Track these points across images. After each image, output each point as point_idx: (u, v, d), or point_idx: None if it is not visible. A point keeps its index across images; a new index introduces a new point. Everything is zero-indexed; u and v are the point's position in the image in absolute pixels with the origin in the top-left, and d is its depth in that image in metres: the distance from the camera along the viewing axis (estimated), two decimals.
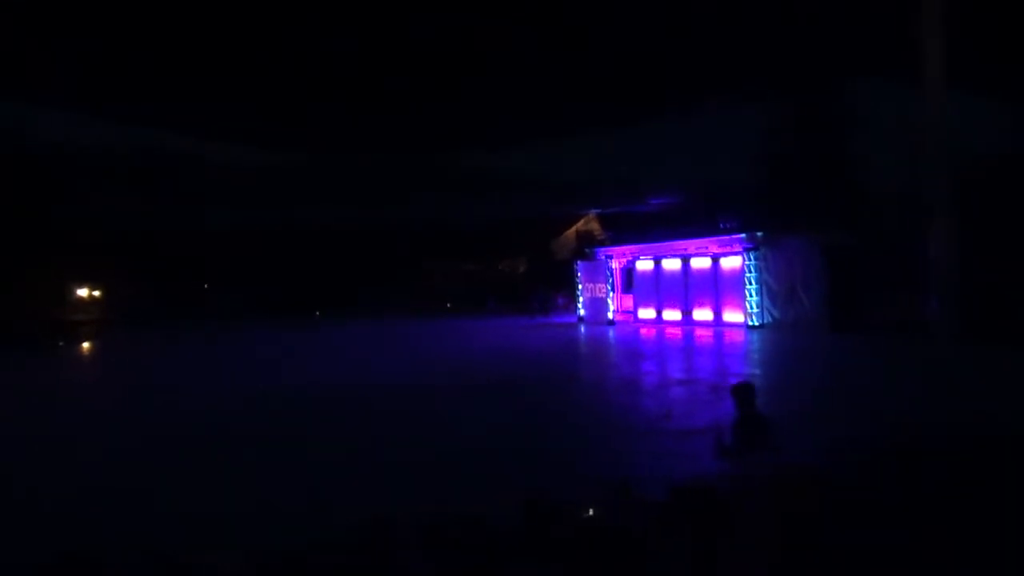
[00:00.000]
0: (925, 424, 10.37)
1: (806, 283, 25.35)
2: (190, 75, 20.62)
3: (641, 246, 32.34)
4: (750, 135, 27.74)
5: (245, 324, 38.11)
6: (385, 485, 9.01)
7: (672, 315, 30.33)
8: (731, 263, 27.89)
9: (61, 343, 32.05)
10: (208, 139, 28.50)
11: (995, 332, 18.58)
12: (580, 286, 34.61)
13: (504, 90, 21.70)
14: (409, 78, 20.91)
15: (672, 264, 30.53)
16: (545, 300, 38.68)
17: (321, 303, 44.13)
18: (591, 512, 6.89)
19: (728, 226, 28.38)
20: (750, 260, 26.84)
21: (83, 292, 47.41)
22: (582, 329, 31.75)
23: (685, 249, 30.02)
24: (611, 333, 29.44)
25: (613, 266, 33.46)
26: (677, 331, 28.25)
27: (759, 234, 27.09)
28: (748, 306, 26.78)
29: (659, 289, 31.08)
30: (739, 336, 25.32)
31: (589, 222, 43.60)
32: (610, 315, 32.54)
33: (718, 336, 25.79)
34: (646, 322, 31.35)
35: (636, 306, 32.44)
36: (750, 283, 26.78)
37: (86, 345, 32.50)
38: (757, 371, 19.11)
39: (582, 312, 34.28)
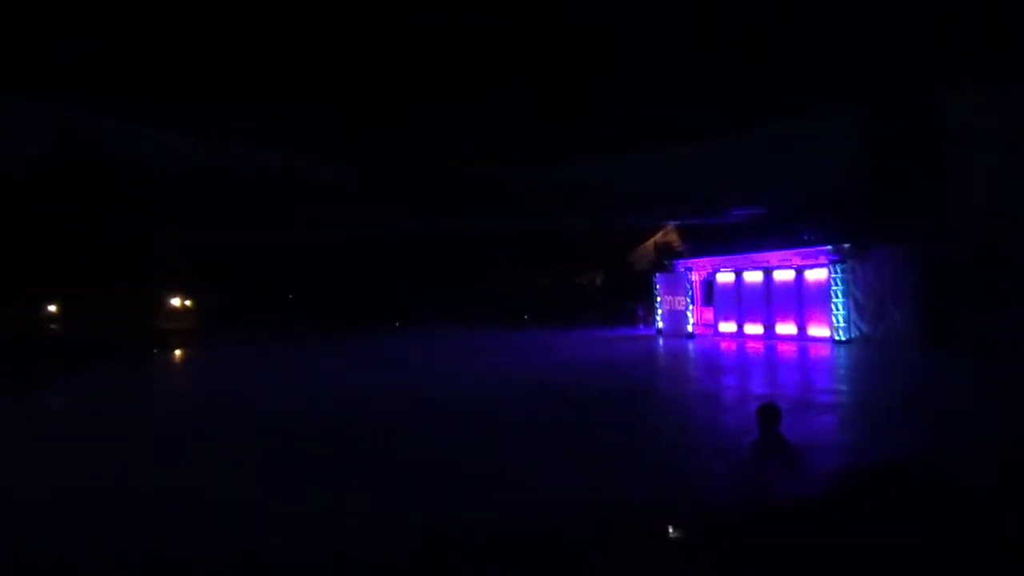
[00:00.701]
0: None
1: (897, 296, 24.33)
2: (272, 91, 21.30)
3: (721, 258, 31.76)
4: (836, 143, 26.87)
5: (329, 334, 39.07)
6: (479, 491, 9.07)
7: (754, 329, 29.62)
8: (816, 275, 27.08)
9: (157, 351, 33.53)
10: (293, 154, 29.47)
11: None
12: (659, 298, 34.19)
13: (583, 102, 21.64)
14: (488, 91, 21.06)
15: (754, 276, 29.84)
16: (631, 312, 38.42)
17: (401, 314, 44.92)
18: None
19: (812, 237, 27.58)
20: (836, 272, 25.98)
21: (175, 302, 49.53)
22: (661, 342, 31.28)
23: (767, 261, 29.31)
24: (692, 347, 28.89)
25: (692, 278, 32.96)
26: (760, 345, 27.54)
27: (846, 245, 26.20)
28: (834, 320, 25.91)
29: (740, 302, 30.42)
30: (826, 351, 24.48)
31: (668, 233, 43.02)
32: (689, 328, 32.02)
33: (804, 351, 24.99)
34: (727, 336, 30.71)
35: (716, 319, 31.83)
36: (836, 296, 25.92)
37: (186, 352, 33.88)
38: (843, 387, 18.45)
39: (660, 325, 33.84)
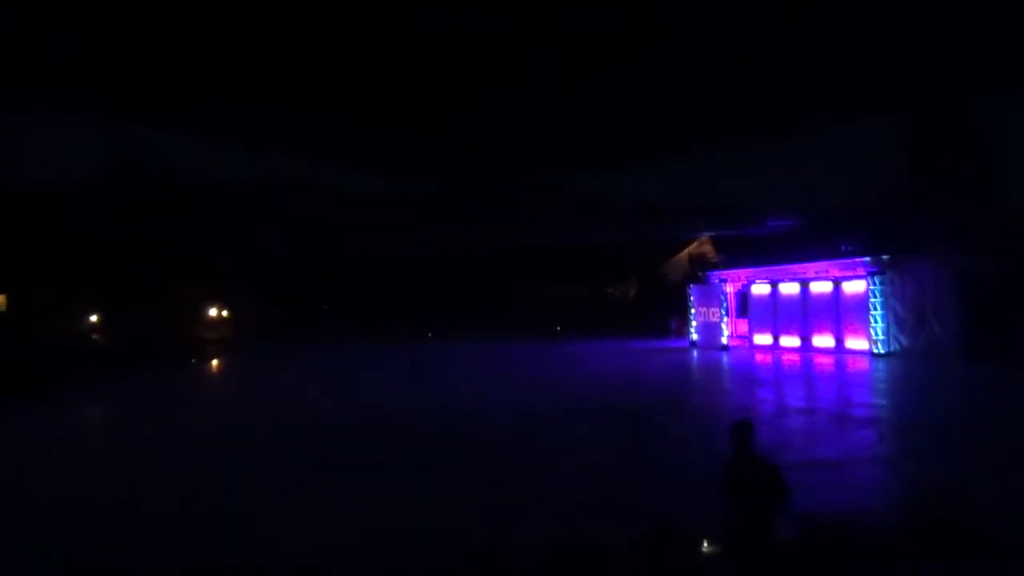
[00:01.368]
0: None
1: (938, 309, 23.94)
2: (318, 107, 21.69)
3: (757, 269, 31.51)
4: (874, 154, 26.60)
5: (362, 343, 39.42)
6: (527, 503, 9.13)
7: (790, 341, 29.32)
8: (854, 287, 26.75)
9: (195, 359, 34.08)
10: (329, 166, 29.92)
11: None
12: (693, 310, 33.96)
13: (620, 114, 21.71)
14: (526, 104, 21.24)
15: (790, 288, 29.56)
16: (664, 324, 38.26)
17: (432, 324, 45.18)
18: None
19: (851, 248, 27.23)
20: (875, 284, 25.63)
21: (213, 312, 50.35)
22: (696, 355, 30.98)
23: (804, 272, 29.02)
24: (728, 359, 28.56)
25: (727, 290, 32.73)
26: (796, 358, 27.21)
27: (885, 257, 25.84)
28: (873, 332, 25.54)
29: (776, 314, 30.14)
30: (865, 364, 24.09)
31: (702, 245, 42.81)
32: (724, 340, 31.75)
33: (842, 364, 24.64)
34: (762, 348, 30.42)
35: (751, 331, 31.56)
36: (875, 308, 25.56)
37: (225, 361, 34.38)
38: (883, 401, 18.16)
39: (695, 337, 33.59)
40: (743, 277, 32.29)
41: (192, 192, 29.25)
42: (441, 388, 22.39)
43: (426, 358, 32.91)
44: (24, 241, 35.34)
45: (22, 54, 19.11)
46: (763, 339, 30.72)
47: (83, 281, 41.59)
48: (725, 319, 32.03)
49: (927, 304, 24.27)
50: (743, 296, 32.39)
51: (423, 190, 28.88)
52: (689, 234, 40.42)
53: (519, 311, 47.37)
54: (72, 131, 25.52)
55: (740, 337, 32.23)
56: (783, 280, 29.91)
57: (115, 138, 26.76)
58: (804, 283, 28.85)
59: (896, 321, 25.27)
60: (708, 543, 6.87)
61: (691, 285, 34.89)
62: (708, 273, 34.88)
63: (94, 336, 42.83)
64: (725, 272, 33.57)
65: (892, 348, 25.26)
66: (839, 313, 27.33)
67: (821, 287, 28.19)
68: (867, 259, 26.31)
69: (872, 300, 25.61)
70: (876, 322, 25.50)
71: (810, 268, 28.78)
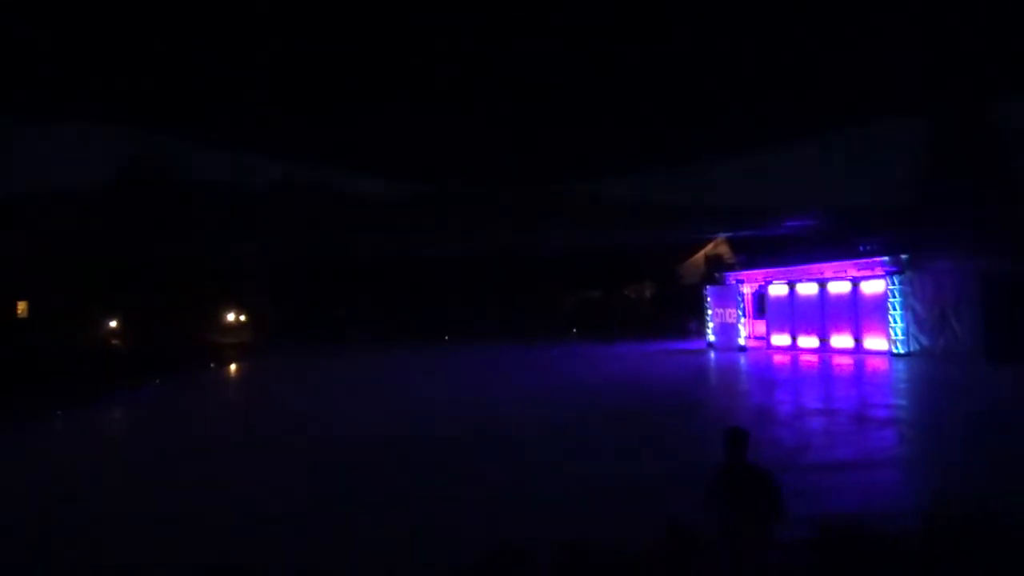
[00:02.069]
0: None
1: (958, 310, 23.72)
2: (342, 112, 21.83)
3: (774, 270, 31.37)
4: (893, 154, 26.44)
5: (380, 348, 39.58)
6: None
7: (808, 342, 29.16)
8: (873, 287, 26.58)
9: (214, 364, 34.31)
10: (344, 172, 30.14)
11: None
12: (709, 311, 33.86)
13: (635, 115, 21.72)
14: (540, 106, 21.29)
15: (808, 288, 29.41)
16: (681, 325, 38.20)
17: (449, 329, 45.31)
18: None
19: (869, 248, 27.05)
20: (894, 284, 25.47)
21: (231, 317, 50.68)
22: (713, 356, 30.85)
23: (821, 272, 28.88)
24: (746, 360, 28.42)
25: (744, 291, 32.63)
26: (815, 358, 27.07)
27: (904, 257, 25.66)
28: (892, 333, 25.37)
29: (794, 314, 29.98)
30: (885, 365, 23.93)
31: (718, 245, 42.72)
32: (741, 341, 31.64)
33: (862, 364, 24.47)
34: (780, 349, 30.28)
35: (769, 332, 31.42)
36: (894, 309, 25.40)
37: (248, 366, 34.58)
38: (904, 402, 18.05)
39: (712, 338, 33.47)
40: (760, 278, 32.16)
41: (209, 197, 29.47)
42: (467, 391, 22.41)
43: (446, 362, 32.93)
44: (44, 248, 35.73)
45: (45, 65, 19.39)
46: (781, 340, 30.58)
47: (102, 287, 42.02)
48: (742, 320, 31.94)
49: (947, 304, 24.06)
50: (760, 297, 32.27)
51: (442, 195, 29.00)
52: (706, 236, 40.34)
53: (535, 312, 47.39)
54: (91, 139, 25.82)
55: (758, 338, 32.11)
56: (801, 280, 29.76)
57: (133, 145, 27.04)
58: (822, 283, 28.70)
59: (916, 321, 25.09)
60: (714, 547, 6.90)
61: (708, 286, 34.82)
62: (725, 274, 34.78)
63: (113, 341, 43.27)
64: (742, 273, 33.46)
65: (912, 348, 25.08)
66: (858, 313, 27.17)
67: (839, 287, 28.04)
68: (886, 259, 26.14)
69: (891, 300, 25.45)
70: (895, 322, 25.33)
71: (828, 268, 28.63)
